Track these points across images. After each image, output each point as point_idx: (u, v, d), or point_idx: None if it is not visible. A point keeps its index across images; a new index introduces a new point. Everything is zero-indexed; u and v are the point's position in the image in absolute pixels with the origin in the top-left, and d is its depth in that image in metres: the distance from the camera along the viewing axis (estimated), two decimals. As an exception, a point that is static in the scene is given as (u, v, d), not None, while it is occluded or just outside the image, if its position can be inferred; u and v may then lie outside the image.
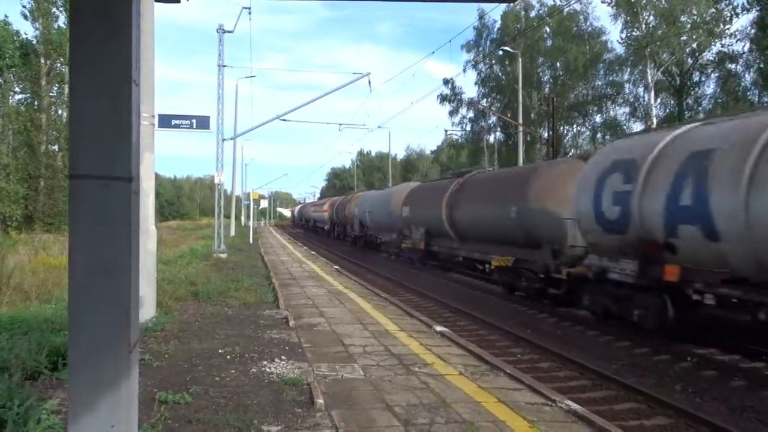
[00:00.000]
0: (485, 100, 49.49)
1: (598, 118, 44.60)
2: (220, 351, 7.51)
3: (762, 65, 33.08)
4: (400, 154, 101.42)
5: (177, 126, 18.91)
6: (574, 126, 46.76)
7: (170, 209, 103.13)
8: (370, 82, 26.55)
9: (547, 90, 45.05)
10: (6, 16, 56.85)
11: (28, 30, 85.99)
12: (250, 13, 25.80)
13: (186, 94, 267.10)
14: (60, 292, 10.49)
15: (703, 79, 38.55)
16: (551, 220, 13.08)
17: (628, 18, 38.30)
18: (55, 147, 41.82)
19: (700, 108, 38.62)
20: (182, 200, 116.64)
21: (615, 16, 39.14)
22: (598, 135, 42.89)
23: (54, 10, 40.61)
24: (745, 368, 8.39)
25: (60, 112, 41.39)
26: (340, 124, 37.79)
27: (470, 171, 21.43)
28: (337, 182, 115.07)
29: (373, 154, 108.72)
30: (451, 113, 51.42)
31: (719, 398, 7.27)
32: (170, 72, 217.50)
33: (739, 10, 33.03)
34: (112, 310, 2.78)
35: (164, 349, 7.38)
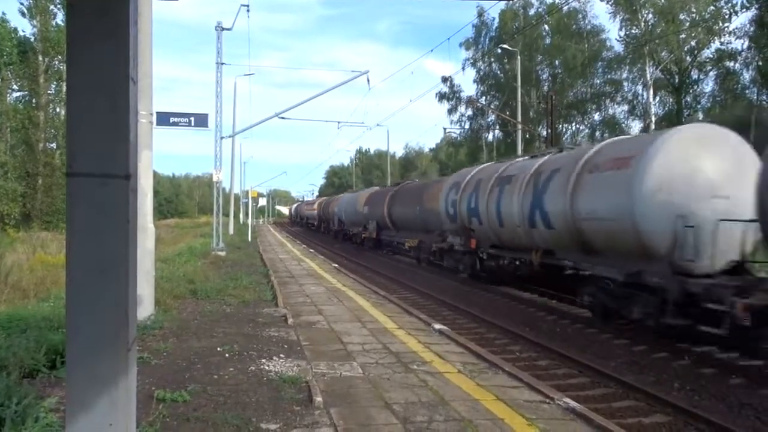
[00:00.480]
0: (484, 98, 49.55)
1: (596, 116, 44.76)
2: (218, 349, 7.51)
3: (761, 63, 33.09)
4: (399, 152, 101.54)
5: (175, 124, 18.81)
6: (573, 124, 46.86)
7: (168, 207, 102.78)
8: (368, 80, 26.63)
9: (545, 88, 45.04)
10: (4, 14, 56.92)
11: (25, 27, 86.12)
12: (248, 10, 25.72)
13: (184, 91, 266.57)
14: (58, 290, 10.47)
15: (701, 77, 38.64)
16: (434, 215, 20.85)
17: (627, 16, 38.31)
18: (53, 145, 41.81)
19: (698, 106, 38.68)
20: (180, 198, 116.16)
21: (614, 14, 39.22)
22: (597, 133, 42.92)
23: (52, 7, 40.60)
24: (744, 366, 8.39)
25: (58, 109, 41.33)
26: (338, 122, 37.64)
27: (404, 181, 32.42)
28: (336, 180, 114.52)
29: (371, 152, 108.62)
30: (450, 111, 51.59)
31: (718, 396, 7.29)
32: (168, 69, 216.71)
33: (738, 8, 33.07)
34: (110, 308, 2.76)
35: (162, 347, 7.38)
